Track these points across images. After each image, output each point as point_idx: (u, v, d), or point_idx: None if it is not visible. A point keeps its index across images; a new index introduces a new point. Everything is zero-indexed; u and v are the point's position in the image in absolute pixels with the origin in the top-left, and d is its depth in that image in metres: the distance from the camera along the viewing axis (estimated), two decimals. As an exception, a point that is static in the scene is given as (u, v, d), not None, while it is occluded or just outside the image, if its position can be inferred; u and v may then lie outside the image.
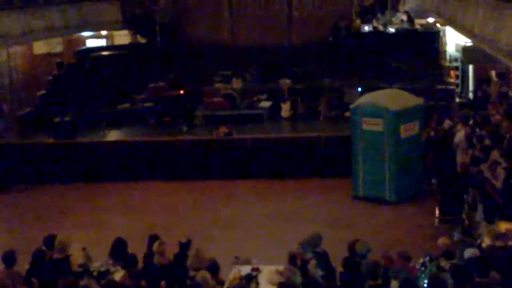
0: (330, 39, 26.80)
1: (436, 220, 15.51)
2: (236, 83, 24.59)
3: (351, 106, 18.80)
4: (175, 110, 24.05)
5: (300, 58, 26.33)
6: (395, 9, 27.88)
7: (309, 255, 11.33)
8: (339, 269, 11.18)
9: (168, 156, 21.12)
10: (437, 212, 15.55)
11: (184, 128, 22.45)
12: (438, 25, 27.85)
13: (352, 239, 11.66)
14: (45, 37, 27.33)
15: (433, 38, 26.58)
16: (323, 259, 11.45)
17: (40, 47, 29.16)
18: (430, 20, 28.52)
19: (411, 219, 16.82)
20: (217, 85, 24.96)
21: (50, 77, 27.40)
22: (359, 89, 22.92)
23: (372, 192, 18.09)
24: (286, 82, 24.41)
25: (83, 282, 10.53)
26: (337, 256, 11.54)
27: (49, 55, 29.51)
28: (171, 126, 23.20)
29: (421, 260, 10.99)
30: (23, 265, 11.40)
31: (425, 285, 10.17)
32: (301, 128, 22.25)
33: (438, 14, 27.17)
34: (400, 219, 16.94)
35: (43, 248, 11.78)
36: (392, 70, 24.44)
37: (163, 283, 10.72)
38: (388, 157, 17.82)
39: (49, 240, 11.79)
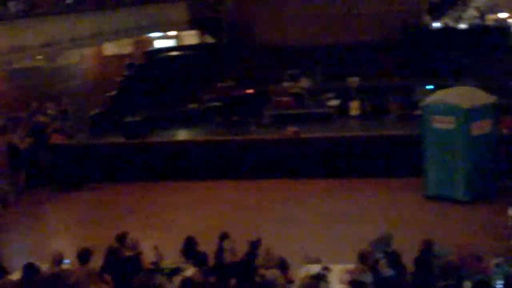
0: (400, 36, 26.51)
1: (509, 220, 15.22)
2: (304, 82, 24.57)
3: (421, 104, 18.59)
4: (243, 109, 24.10)
5: (368, 56, 26.13)
6: (465, 5, 27.46)
7: (379, 254, 11.24)
8: (410, 269, 11.07)
9: (236, 155, 21.19)
10: (510, 211, 15.26)
11: (253, 127, 22.49)
12: (510, 20, 27.36)
13: (423, 238, 11.53)
14: (115, 38, 27.69)
15: (505, 33, 26.09)
16: (394, 258, 11.33)
17: (110, 49, 29.56)
18: (502, 15, 28.03)
19: (483, 219, 16.52)
20: (285, 84, 24.97)
21: (120, 78, 27.74)
22: (429, 86, 22.63)
23: (444, 191, 17.83)
24: (354, 80, 24.26)
25: (154, 280, 10.64)
26: (408, 256, 11.40)
27: (118, 56, 29.91)
28: (239, 125, 23.24)
29: (495, 261, 10.79)
30: (96, 262, 11.58)
31: (500, 286, 9.99)
32: (370, 127, 22.05)
33: (510, 9, 26.68)
34: (472, 218, 16.65)
35: (116, 245, 11.95)
36: (463, 67, 24.09)
37: (233, 280, 10.76)
38: (460, 156, 17.55)
39: (121, 238, 11.97)
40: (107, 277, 11.19)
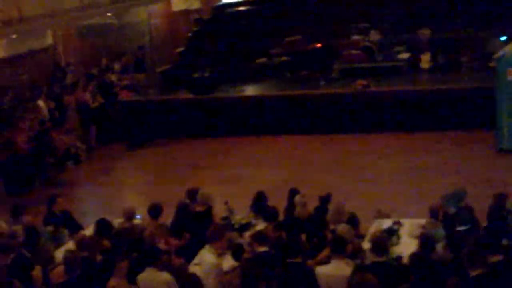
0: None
1: None
2: (374, 35, 24.19)
3: (495, 56, 18.17)
4: (312, 63, 23.90)
5: (440, 7, 25.54)
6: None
7: (452, 209, 11.08)
8: (483, 223, 10.90)
9: (305, 110, 21.08)
10: None
11: (322, 82, 22.30)
12: None
13: (496, 192, 11.34)
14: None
15: None
16: (466, 213, 11.16)
17: (178, 4, 29.53)
18: None
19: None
20: (355, 37, 24.62)
21: (189, 34, 27.75)
22: (503, 38, 22.07)
23: (517, 145, 17.52)
24: (425, 33, 23.77)
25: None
26: (480, 211, 11.21)
27: (187, 12, 29.87)
28: (308, 80, 23.08)
29: None
30: (167, 217, 11.68)
31: None
32: (441, 80, 21.64)
33: None
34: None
35: (186, 201, 12.01)
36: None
37: (303, 235, 10.74)
38: (535, 109, 17.18)
39: (192, 193, 12.02)
40: (187, 235, 11.26)
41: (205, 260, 9.57)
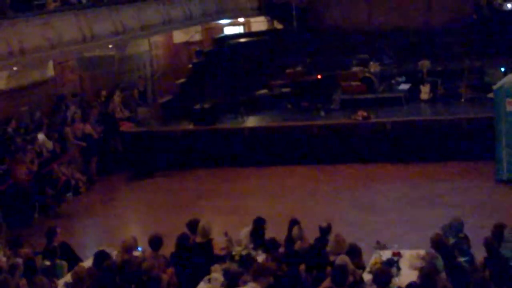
0: (474, 17, 25.97)
1: None
2: (374, 66, 24.25)
3: (494, 87, 18.24)
4: (313, 94, 23.98)
5: (439, 38, 25.70)
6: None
7: (451, 240, 11.08)
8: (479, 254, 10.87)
9: (306, 140, 21.13)
10: None
11: (322, 113, 22.35)
12: None
13: (495, 223, 11.34)
14: (184, 26, 27.74)
15: None
16: (465, 244, 11.16)
17: (179, 36, 29.69)
18: None
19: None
20: (355, 68, 24.69)
21: (190, 65, 27.87)
22: (502, 69, 22.15)
23: (516, 176, 17.51)
24: (425, 64, 23.88)
25: (225, 266, 10.71)
26: (480, 241, 11.20)
27: (188, 43, 30.03)
28: (308, 110, 23.13)
29: None
30: (167, 248, 11.67)
31: None
32: (441, 111, 21.70)
33: None
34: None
35: (187, 232, 12.02)
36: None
37: (302, 266, 10.72)
38: (534, 139, 17.19)
39: (192, 225, 12.03)
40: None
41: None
